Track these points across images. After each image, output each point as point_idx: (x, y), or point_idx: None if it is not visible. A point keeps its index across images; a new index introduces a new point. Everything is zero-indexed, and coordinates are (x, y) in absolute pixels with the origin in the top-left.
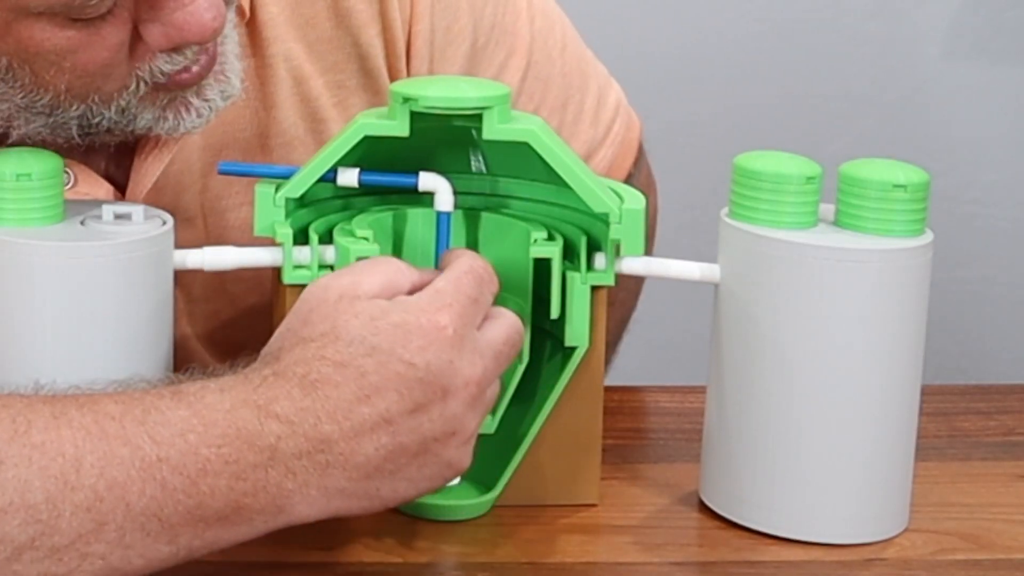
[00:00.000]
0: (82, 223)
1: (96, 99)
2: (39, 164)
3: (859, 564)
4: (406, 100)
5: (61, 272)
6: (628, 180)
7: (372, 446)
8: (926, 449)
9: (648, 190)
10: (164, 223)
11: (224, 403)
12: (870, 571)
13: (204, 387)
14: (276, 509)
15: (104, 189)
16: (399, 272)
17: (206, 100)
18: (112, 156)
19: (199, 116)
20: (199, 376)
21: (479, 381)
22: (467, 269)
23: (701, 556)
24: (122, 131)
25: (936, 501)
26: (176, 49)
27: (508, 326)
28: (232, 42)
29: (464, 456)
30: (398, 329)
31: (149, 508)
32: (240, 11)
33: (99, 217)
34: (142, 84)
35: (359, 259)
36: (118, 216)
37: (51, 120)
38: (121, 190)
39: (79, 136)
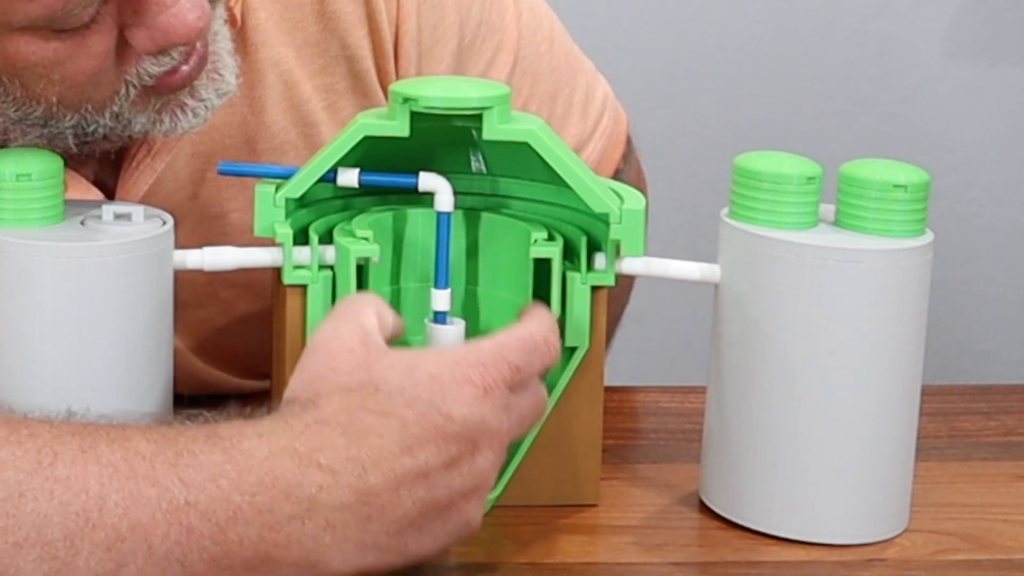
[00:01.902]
0: (82, 223)
1: (89, 108)
2: (39, 164)
3: (859, 564)
4: (406, 100)
5: (61, 272)
6: (617, 174)
7: (410, 499)
8: (926, 449)
9: (639, 184)
10: (164, 223)
11: (262, 450)
12: (870, 571)
13: (241, 432)
14: (308, 564)
15: (94, 196)
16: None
17: (201, 100)
18: (103, 164)
19: (195, 116)
20: (235, 413)
21: (503, 437)
22: (524, 335)
23: (701, 556)
24: (119, 136)
25: (936, 501)
26: (162, 51)
27: (538, 398)
28: (224, 39)
29: (479, 514)
30: (435, 382)
31: (172, 553)
32: (231, 18)
33: (99, 217)
34: (131, 88)
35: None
36: (118, 216)
37: (46, 131)
38: (111, 198)
39: (76, 145)
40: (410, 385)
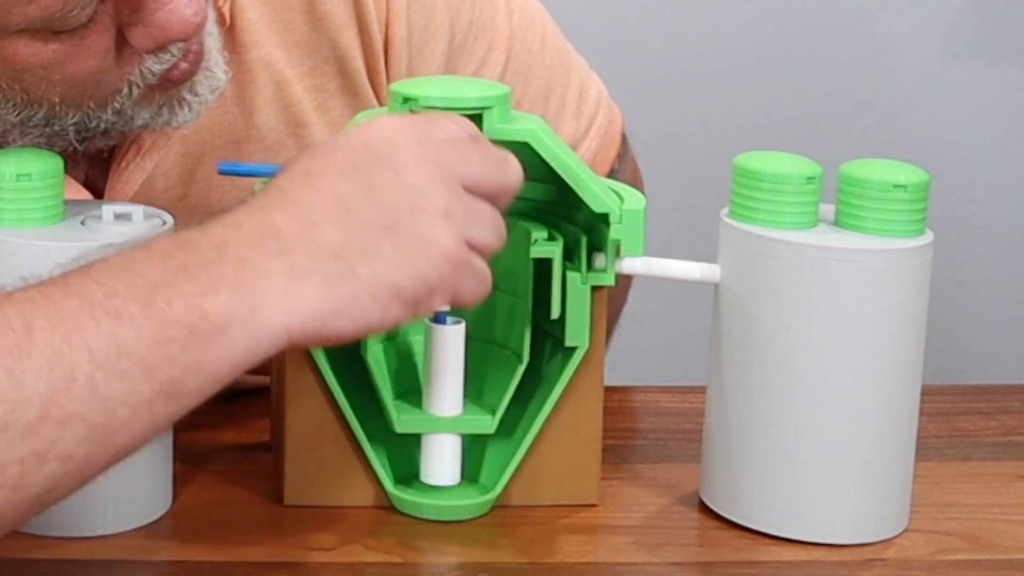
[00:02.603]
0: (82, 223)
1: (91, 105)
2: (39, 164)
3: (859, 564)
4: (406, 100)
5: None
6: (613, 172)
7: (329, 224)
8: (926, 449)
9: (634, 182)
10: (164, 223)
11: (166, 233)
12: (870, 571)
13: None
14: (247, 307)
15: (84, 197)
16: None
17: (197, 95)
18: (92, 165)
19: (191, 110)
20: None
21: (437, 156)
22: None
23: (701, 556)
24: (119, 131)
25: (936, 501)
26: (161, 48)
27: (492, 156)
28: (213, 37)
29: (441, 234)
30: (340, 134)
31: (111, 345)
32: (220, 18)
33: (99, 217)
34: (135, 88)
35: None
36: (118, 216)
37: (48, 131)
38: (100, 198)
39: (77, 142)
40: (314, 146)
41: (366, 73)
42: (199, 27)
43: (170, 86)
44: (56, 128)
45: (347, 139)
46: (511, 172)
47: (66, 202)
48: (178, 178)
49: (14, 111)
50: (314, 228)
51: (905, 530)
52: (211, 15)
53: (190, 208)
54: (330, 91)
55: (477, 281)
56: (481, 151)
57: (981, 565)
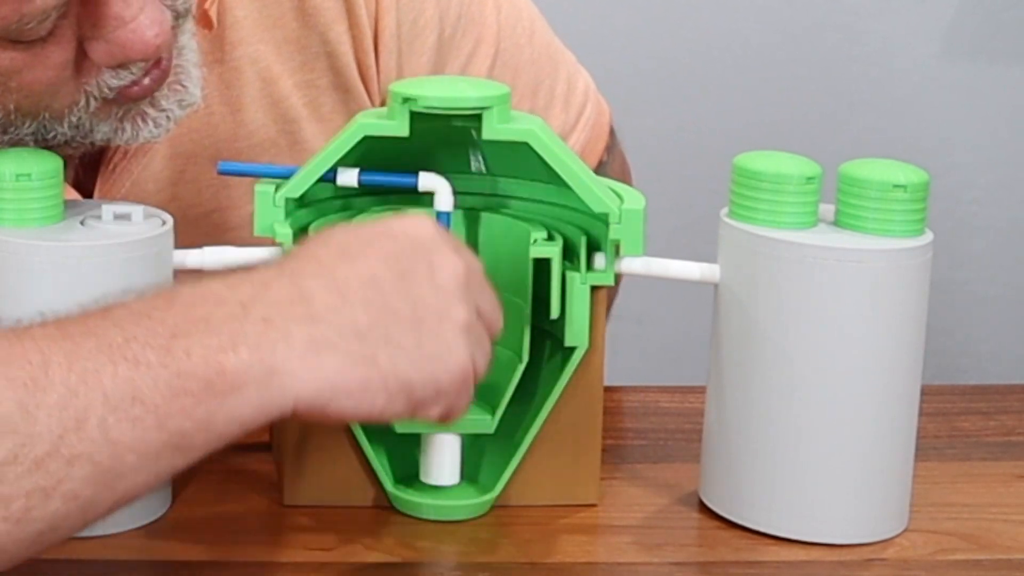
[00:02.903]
0: (82, 223)
1: (47, 116)
2: (39, 164)
3: (859, 564)
4: (406, 100)
5: (61, 272)
6: (601, 165)
7: (360, 302)
8: (926, 449)
9: (623, 176)
10: (163, 223)
11: (189, 286)
12: (870, 571)
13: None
14: (265, 369)
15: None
16: None
17: (162, 110)
18: (82, 167)
19: (156, 126)
20: None
21: (467, 271)
22: None
23: (701, 556)
24: (80, 143)
25: (936, 501)
26: (121, 65)
27: (494, 298)
28: (190, 51)
29: (462, 348)
30: (380, 221)
31: (126, 390)
32: (207, 21)
33: (99, 217)
34: (92, 100)
35: None
36: (118, 216)
37: (7, 137)
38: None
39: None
40: (354, 226)
41: (356, 68)
42: (160, 49)
43: (127, 101)
44: (14, 136)
45: (389, 227)
46: (502, 320)
47: (66, 202)
48: (168, 179)
49: None
50: (345, 304)
51: (905, 530)
52: (188, 31)
53: (182, 210)
54: (321, 87)
55: (467, 403)
56: (490, 288)
57: (981, 565)
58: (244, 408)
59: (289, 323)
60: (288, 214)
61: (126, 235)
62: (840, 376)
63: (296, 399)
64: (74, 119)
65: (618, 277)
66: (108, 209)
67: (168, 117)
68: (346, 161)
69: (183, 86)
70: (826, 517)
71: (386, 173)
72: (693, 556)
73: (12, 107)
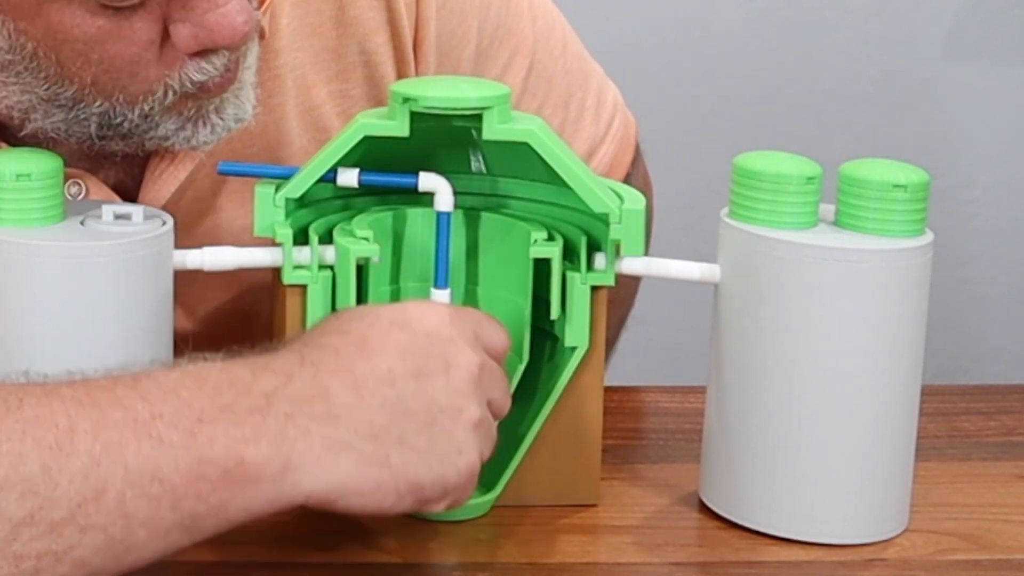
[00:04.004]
0: (82, 223)
1: (120, 98)
2: (39, 164)
3: (859, 564)
4: (406, 100)
5: (61, 272)
6: (627, 178)
7: (377, 402)
8: (926, 449)
9: (646, 190)
10: (164, 223)
11: (216, 364)
12: (870, 571)
13: (194, 357)
14: (282, 463)
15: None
16: None
17: (222, 119)
18: (122, 170)
19: (212, 132)
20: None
21: (481, 366)
22: (471, 308)
23: (701, 556)
24: (139, 138)
25: (936, 501)
26: (204, 55)
27: (503, 374)
28: (251, 70)
29: (472, 446)
30: (398, 309)
31: (147, 469)
32: (260, 31)
33: (99, 217)
34: (171, 93)
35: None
36: (118, 216)
37: (71, 115)
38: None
39: (96, 136)
40: (371, 311)
41: (396, 79)
42: (247, 36)
43: (203, 95)
44: (80, 115)
45: (406, 317)
46: (509, 404)
47: (66, 202)
48: (210, 188)
49: (44, 84)
50: (362, 403)
51: (905, 530)
52: (254, 49)
53: (227, 221)
54: (355, 97)
55: (471, 493)
56: (502, 376)
57: (981, 565)
58: (257, 499)
59: (309, 421)
60: (288, 214)
61: (126, 235)
62: (840, 376)
63: (308, 495)
64: (146, 107)
65: (634, 288)
66: (108, 209)
67: (224, 127)
68: (346, 161)
69: (239, 99)
70: (826, 517)
71: (386, 173)
72: (693, 556)
73: (89, 80)
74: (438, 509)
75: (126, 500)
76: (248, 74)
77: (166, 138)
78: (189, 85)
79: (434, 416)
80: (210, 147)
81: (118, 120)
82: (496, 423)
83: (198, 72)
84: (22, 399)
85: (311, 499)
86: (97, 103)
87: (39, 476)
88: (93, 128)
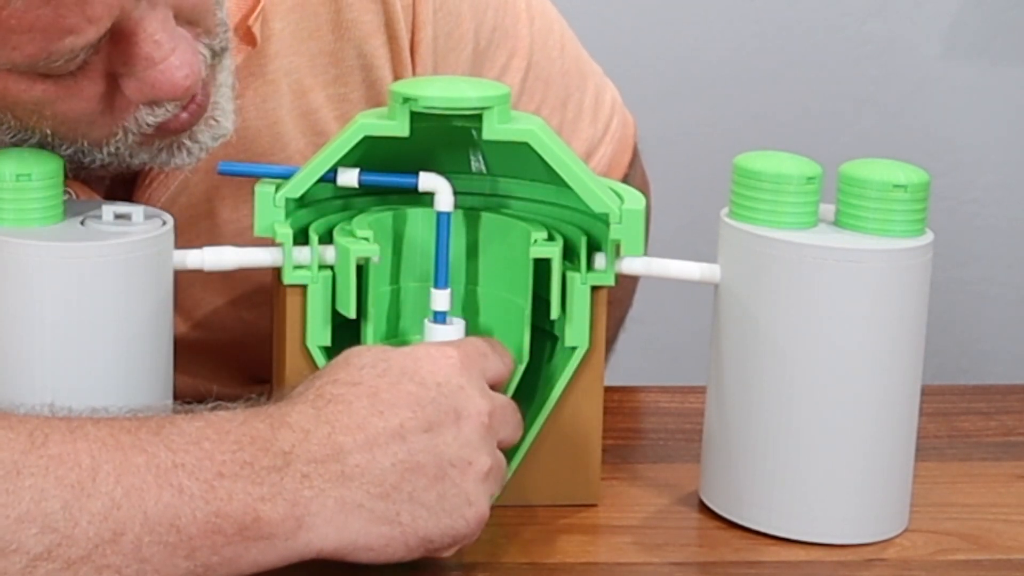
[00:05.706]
0: (82, 223)
1: (85, 143)
2: (39, 164)
3: (859, 564)
4: (406, 100)
5: (61, 272)
6: (626, 178)
7: (388, 460)
8: (926, 449)
9: (644, 189)
10: (164, 223)
11: (238, 416)
12: (870, 571)
13: (216, 406)
14: (295, 523)
15: None
16: None
17: (197, 142)
18: (116, 180)
19: (190, 155)
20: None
21: (491, 413)
22: (478, 340)
23: (701, 556)
24: (117, 167)
25: (936, 501)
26: (155, 103)
27: (511, 404)
28: (227, 87)
29: (482, 496)
30: (408, 356)
31: (166, 516)
32: (251, 38)
33: (99, 217)
34: (130, 134)
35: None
36: (118, 216)
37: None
38: None
39: (74, 170)
40: (382, 359)
41: (392, 81)
42: (189, 90)
43: (168, 134)
44: (55, 151)
45: (417, 366)
46: (519, 435)
47: (66, 202)
48: (204, 194)
49: (8, 134)
50: (374, 461)
51: (905, 530)
52: (227, 68)
53: (221, 224)
54: (353, 101)
55: (477, 535)
56: (513, 410)
57: (981, 565)
58: (269, 554)
59: (324, 482)
60: (288, 214)
61: (126, 235)
62: (840, 376)
63: (319, 551)
64: (112, 148)
65: (632, 288)
66: (108, 209)
67: (201, 148)
68: (346, 161)
69: (217, 121)
70: (826, 517)
71: (386, 173)
72: (693, 556)
73: (49, 131)
74: (447, 555)
75: (143, 545)
76: (224, 92)
77: (143, 164)
78: (147, 127)
79: (444, 470)
80: (192, 166)
81: (88, 159)
82: (506, 460)
83: (152, 116)
84: (48, 435)
85: (322, 554)
86: (64, 146)
87: (59, 513)
88: (68, 161)
